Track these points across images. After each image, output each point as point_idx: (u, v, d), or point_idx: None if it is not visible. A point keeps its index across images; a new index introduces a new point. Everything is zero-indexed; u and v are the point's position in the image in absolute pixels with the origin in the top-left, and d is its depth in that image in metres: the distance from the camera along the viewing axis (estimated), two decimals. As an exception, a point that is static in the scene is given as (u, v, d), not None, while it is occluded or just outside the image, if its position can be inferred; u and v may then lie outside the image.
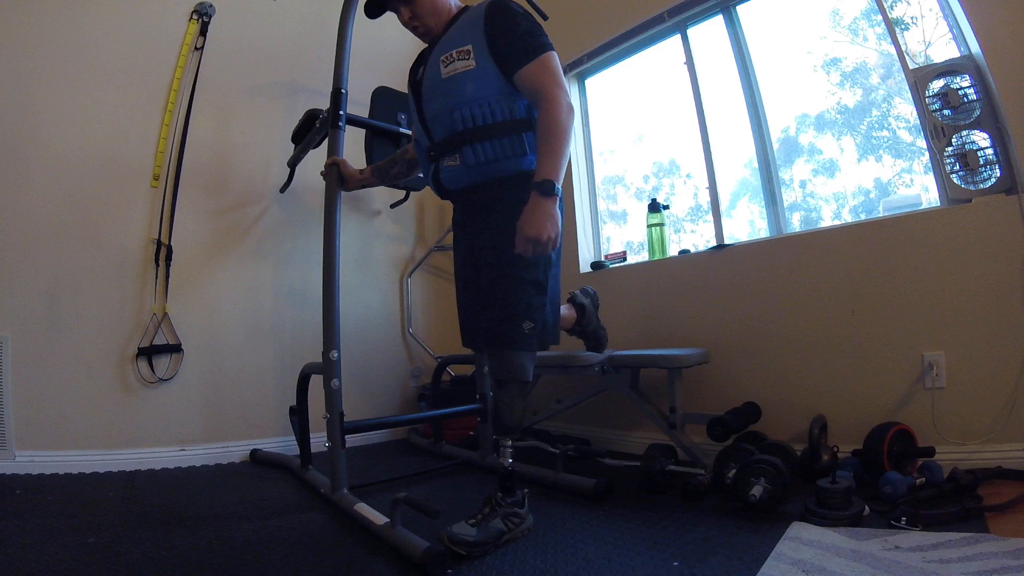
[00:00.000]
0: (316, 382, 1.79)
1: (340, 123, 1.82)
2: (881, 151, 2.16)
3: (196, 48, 2.46)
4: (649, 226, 2.49)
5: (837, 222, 2.19)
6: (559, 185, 1.24)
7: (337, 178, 1.77)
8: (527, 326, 1.34)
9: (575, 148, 2.89)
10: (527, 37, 1.31)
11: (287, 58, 2.71)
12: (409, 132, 2.29)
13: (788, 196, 2.33)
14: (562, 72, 1.33)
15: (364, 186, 1.84)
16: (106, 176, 2.22)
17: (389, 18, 1.53)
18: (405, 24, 1.48)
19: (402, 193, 2.83)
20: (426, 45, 1.51)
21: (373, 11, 1.50)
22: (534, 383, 2.42)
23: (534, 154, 1.34)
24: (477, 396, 2.19)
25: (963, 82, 1.71)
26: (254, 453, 2.33)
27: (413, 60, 1.57)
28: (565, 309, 1.73)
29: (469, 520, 1.29)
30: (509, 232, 1.28)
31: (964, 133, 1.70)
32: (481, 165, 1.35)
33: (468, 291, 1.52)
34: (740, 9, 2.33)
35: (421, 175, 1.62)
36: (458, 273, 1.57)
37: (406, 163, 1.75)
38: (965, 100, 1.70)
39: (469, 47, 1.34)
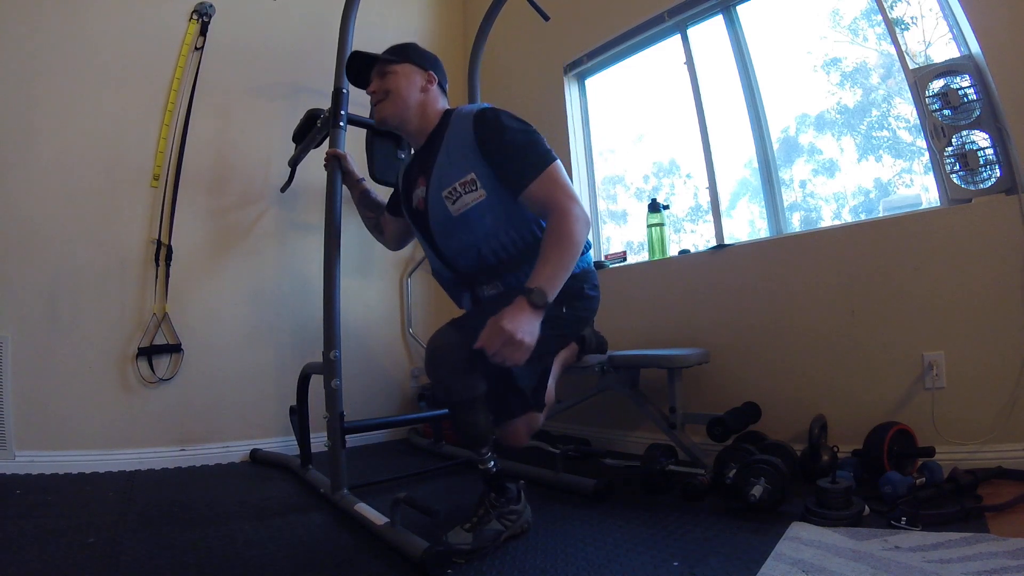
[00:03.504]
0: (316, 382, 1.79)
1: (341, 122, 1.83)
2: (881, 151, 2.16)
3: (196, 48, 2.46)
4: (649, 226, 2.49)
5: (837, 222, 2.19)
6: (551, 300, 1.15)
7: (338, 169, 1.79)
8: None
9: (575, 147, 2.89)
10: (526, 151, 1.25)
11: (288, 58, 2.71)
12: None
13: (788, 196, 2.33)
14: (570, 181, 1.26)
15: (353, 191, 1.82)
16: (106, 176, 2.22)
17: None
18: (370, 95, 1.44)
19: (402, 193, 2.83)
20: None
21: (357, 77, 1.49)
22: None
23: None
24: (477, 396, 2.18)
25: (963, 82, 1.71)
26: (254, 453, 2.33)
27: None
28: (567, 352, 1.66)
29: (464, 525, 1.29)
30: None
31: (964, 133, 1.70)
32: (524, 283, 1.22)
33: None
34: (740, 9, 2.32)
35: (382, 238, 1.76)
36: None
37: (376, 226, 1.78)
38: (965, 100, 1.70)
39: (472, 176, 1.27)
